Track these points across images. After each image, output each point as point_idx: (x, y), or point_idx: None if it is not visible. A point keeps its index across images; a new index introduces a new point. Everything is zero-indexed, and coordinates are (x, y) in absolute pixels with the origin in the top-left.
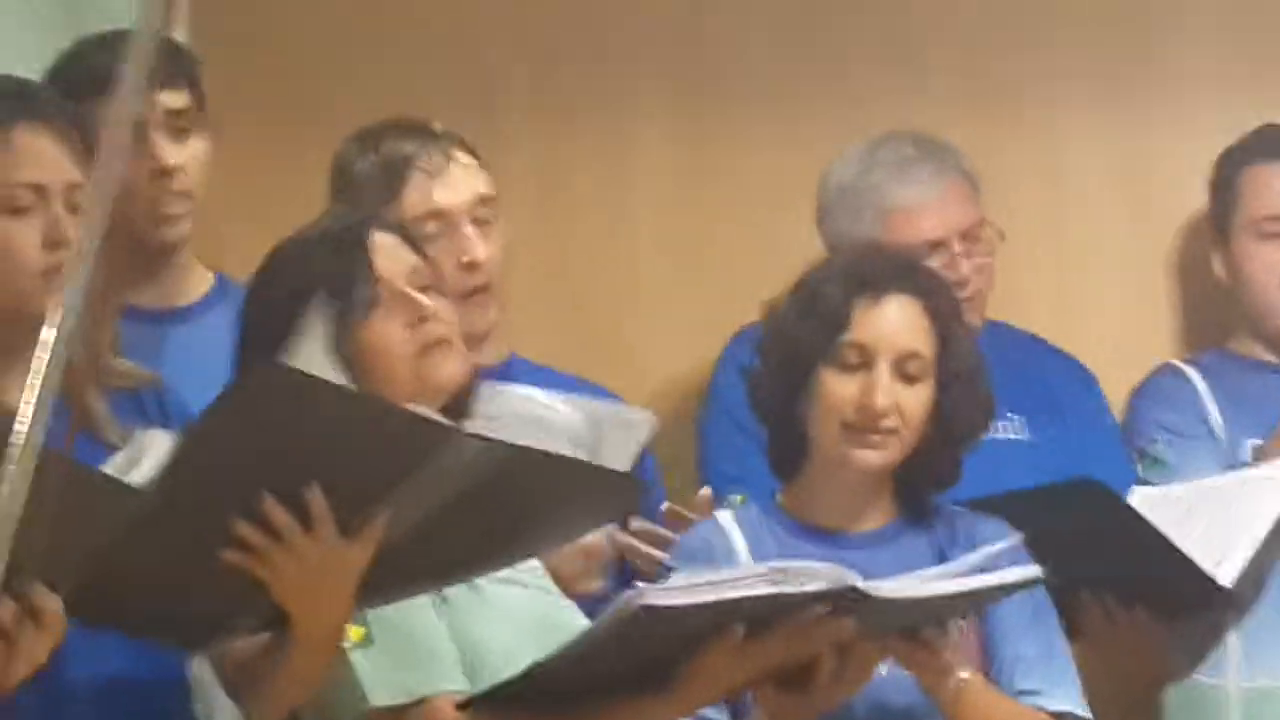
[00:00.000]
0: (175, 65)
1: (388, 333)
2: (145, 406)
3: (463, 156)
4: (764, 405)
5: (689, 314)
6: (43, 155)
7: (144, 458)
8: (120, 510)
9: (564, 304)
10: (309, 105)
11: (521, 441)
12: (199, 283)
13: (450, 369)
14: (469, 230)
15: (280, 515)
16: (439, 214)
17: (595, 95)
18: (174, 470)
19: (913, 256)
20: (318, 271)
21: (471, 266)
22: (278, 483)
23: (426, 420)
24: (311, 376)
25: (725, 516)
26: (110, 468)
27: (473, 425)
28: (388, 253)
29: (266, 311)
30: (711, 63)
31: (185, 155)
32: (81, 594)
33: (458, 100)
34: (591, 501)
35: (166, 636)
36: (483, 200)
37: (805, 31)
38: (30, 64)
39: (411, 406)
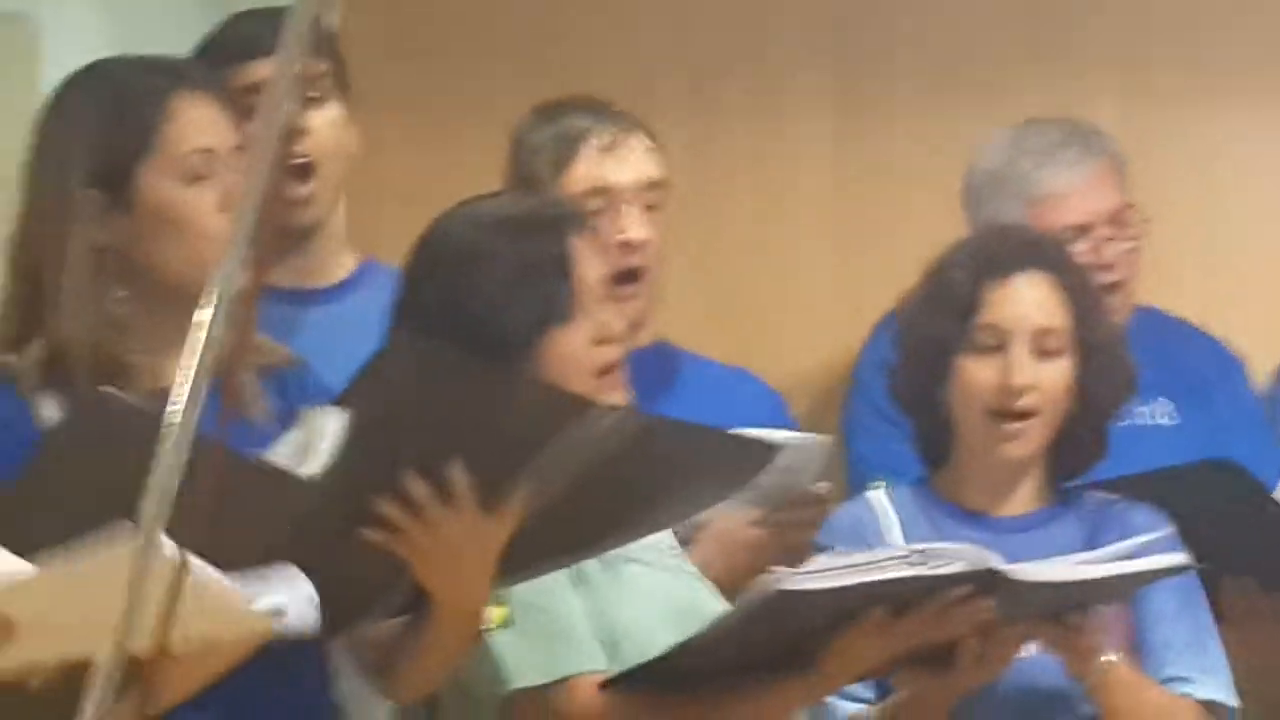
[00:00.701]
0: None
1: (576, 345)
2: (286, 386)
3: (640, 139)
4: (905, 398)
5: (839, 301)
6: (207, 121)
7: (317, 441)
8: (291, 504)
9: (715, 291)
10: (464, 94)
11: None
12: (343, 264)
13: (618, 400)
14: (632, 209)
15: (421, 490)
16: (606, 190)
17: (750, 85)
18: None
19: (1038, 233)
20: (518, 264)
21: (628, 246)
22: (417, 458)
23: (563, 392)
24: (449, 349)
25: (877, 495)
26: (284, 451)
27: None
28: (587, 259)
29: (452, 292)
30: (865, 53)
31: (314, 120)
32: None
33: (614, 89)
34: (725, 469)
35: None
36: (652, 184)
37: (958, 18)
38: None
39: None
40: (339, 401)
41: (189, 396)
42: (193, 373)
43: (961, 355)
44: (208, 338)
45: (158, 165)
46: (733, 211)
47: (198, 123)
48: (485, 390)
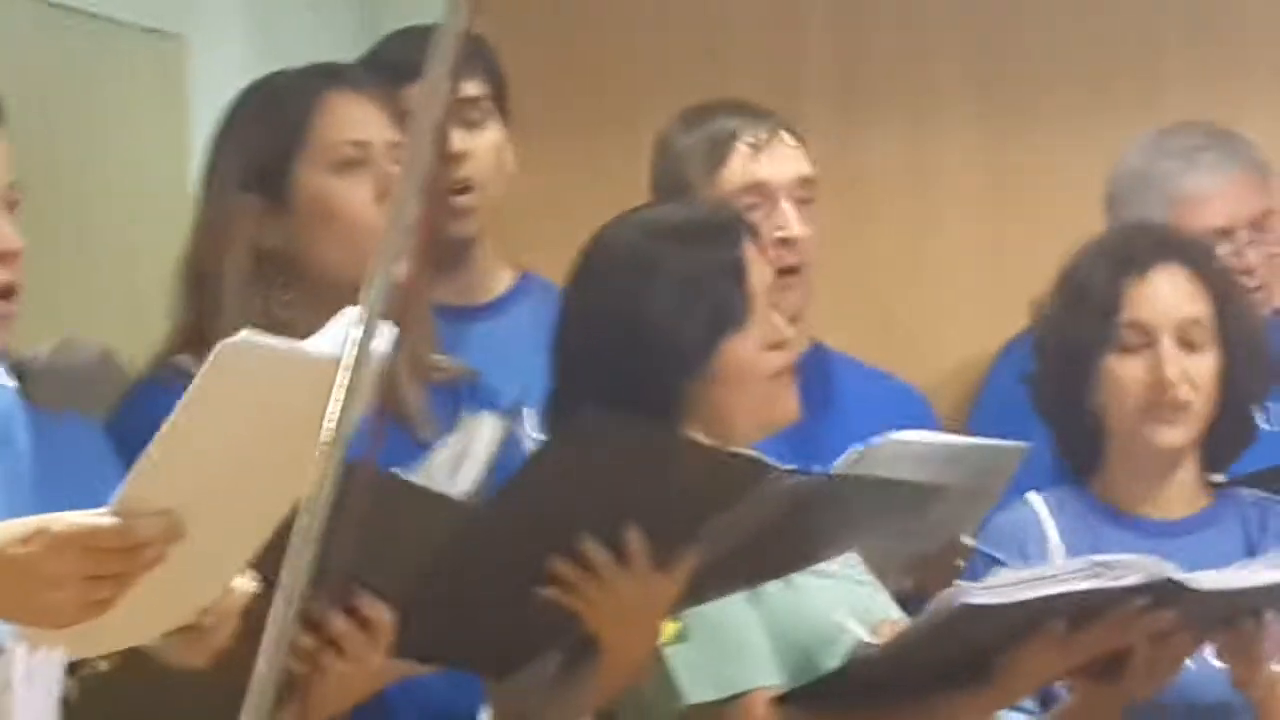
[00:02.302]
0: (471, 55)
1: (749, 352)
2: (460, 400)
3: (788, 137)
4: (1049, 405)
5: (985, 305)
6: (361, 114)
7: (471, 449)
8: (440, 521)
9: (865, 296)
10: (612, 100)
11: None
12: (502, 279)
13: (790, 405)
14: (787, 206)
15: (599, 554)
16: (760, 188)
17: (898, 88)
18: (497, 507)
19: (1172, 228)
20: (692, 271)
21: (787, 243)
22: (595, 520)
23: (742, 459)
24: (634, 421)
25: (1036, 499)
26: (440, 457)
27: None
28: (757, 266)
29: (628, 300)
30: (1014, 55)
31: (474, 143)
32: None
33: (762, 94)
34: (893, 512)
35: (469, 664)
36: (803, 181)
37: (1108, 23)
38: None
39: (725, 444)
40: (523, 467)
41: (347, 391)
42: (348, 381)
43: (1107, 355)
44: (364, 334)
45: (310, 157)
46: (881, 215)
47: (349, 116)
48: (665, 457)
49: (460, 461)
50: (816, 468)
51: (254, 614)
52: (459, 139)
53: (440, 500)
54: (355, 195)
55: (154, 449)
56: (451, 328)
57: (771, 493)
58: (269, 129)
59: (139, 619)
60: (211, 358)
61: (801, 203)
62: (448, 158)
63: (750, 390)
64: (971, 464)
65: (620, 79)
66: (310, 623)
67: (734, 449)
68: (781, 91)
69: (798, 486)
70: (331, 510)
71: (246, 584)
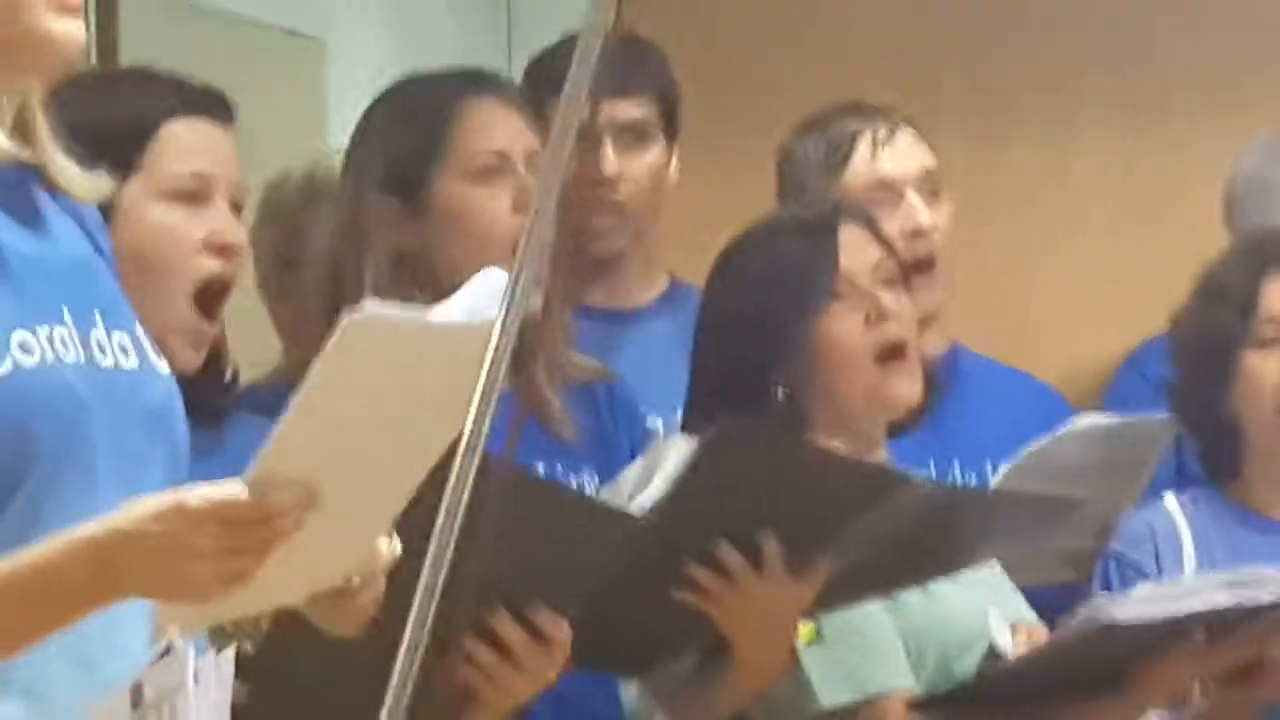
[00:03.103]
0: (638, 72)
1: (845, 328)
2: (597, 400)
3: (908, 131)
4: (1187, 408)
5: (1117, 308)
6: (499, 123)
7: (659, 468)
8: (617, 537)
9: (993, 294)
10: (747, 107)
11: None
12: (652, 285)
13: (905, 387)
14: (915, 199)
15: (735, 560)
16: (886, 183)
17: (1033, 91)
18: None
19: None
20: (783, 258)
21: (918, 234)
22: (731, 526)
23: (877, 469)
24: (772, 431)
25: (1170, 502)
26: (630, 474)
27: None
28: (854, 245)
29: (730, 296)
30: (1149, 59)
31: (631, 166)
32: None
33: (898, 99)
34: (1030, 526)
35: (605, 664)
36: (928, 174)
37: (1243, 24)
38: None
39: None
40: (675, 477)
41: (478, 409)
42: (484, 380)
43: (1245, 352)
44: (495, 351)
45: (449, 165)
46: (1018, 221)
47: (488, 125)
48: (798, 467)
49: (648, 478)
50: (954, 466)
51: (396, 581)
52: (615, 163)
53: (613, 512)
54: (493, 205)
55: (285, 421)
56: (599, 332)
57: (907, 502)
58: (409, 134)
59: (278, 584)
60: (338, 331)
61: (929, 194)
62: (600, 180)
63: (856, 368)
64: (1123, 443)
65: (761, 86)
66: (487, 636)
67: (869, 459)
68: (918, 96)
69: (933, 497)
70: (471, 509)
71: (391, 546)
